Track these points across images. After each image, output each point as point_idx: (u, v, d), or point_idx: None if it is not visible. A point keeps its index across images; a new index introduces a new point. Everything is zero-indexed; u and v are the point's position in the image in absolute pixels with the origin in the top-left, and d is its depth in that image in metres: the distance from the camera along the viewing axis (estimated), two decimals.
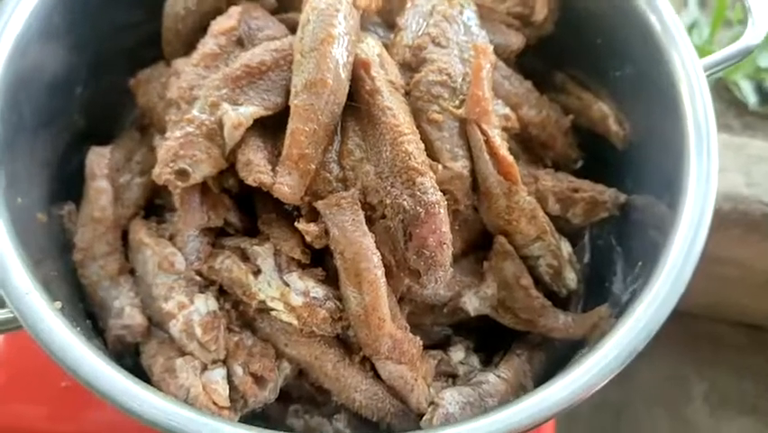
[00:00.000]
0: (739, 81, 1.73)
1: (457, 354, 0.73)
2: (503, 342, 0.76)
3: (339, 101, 0.62)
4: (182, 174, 0.61)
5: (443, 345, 0.74)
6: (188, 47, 0.73)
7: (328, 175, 0.63)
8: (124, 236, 0.73)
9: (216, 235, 0.67)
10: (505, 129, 0.72)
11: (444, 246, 0.61)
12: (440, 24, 0.69)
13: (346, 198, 0.61)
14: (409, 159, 0.61)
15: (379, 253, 0.61)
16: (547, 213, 0.74)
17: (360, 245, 0.60)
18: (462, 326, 0.76)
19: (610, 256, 0.78)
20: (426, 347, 0.69)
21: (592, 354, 0.57)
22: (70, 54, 0.78)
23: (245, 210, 0.69)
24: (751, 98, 1.62)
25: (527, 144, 0.78)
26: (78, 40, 0.78)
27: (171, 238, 0.69)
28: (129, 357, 0.69)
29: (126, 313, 0.68)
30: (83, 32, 0.78)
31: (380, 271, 0.60)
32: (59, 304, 0.59)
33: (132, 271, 0.71)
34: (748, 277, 1.40)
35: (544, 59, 0.85)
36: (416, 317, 0.70)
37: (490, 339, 0.77)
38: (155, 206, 0.76)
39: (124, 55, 0.83)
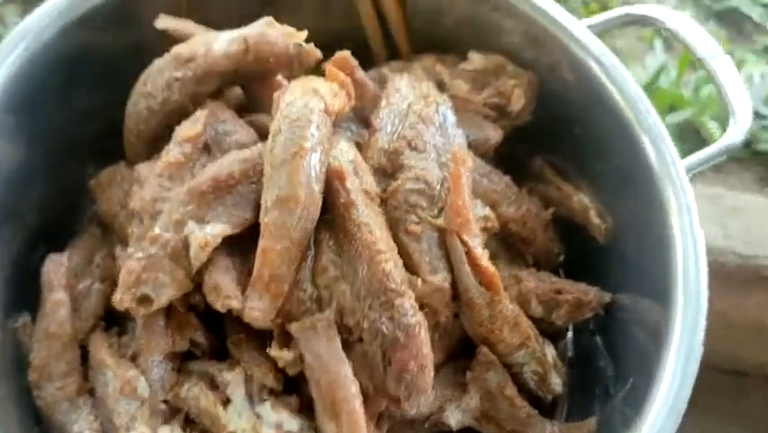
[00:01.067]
0: (707, 123, 1.72)
1: None
2: None
3: (312, 216, 0.59)
4: (145, 300, 0.57)
5: None
6: (152, 149, 0.69)
7: (301, 294, 0.60)
8: (83, 349, 0.68)
9: (182, 358, 0.63)
10: (484, 229, 0.69)
11: (426, 370, 0.57)
12: (416, 126, 0.66)
13: (321, 321, 0.57)
14: (387, 279, 0.58)
15: (357, 382, 0.57)
16: (530, 315, 0.71)
17: (336, 374, 0.56)
18: None
19: (595, 359, 0.75)
20: None
21: None
22: (23, 151, 0.74)
23: (212, 327, 0.64)
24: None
25: (507, 241, 0.75)
26: (32, 135, 0.73)
27: (134, 358, 0.65)
28: None
29: None
30: (37, 126, 0.74)
31: (359, 402, 0.57)
32: None
33: (91, 391, 0.66)
34: (731, 326, 1.39)
35: (521, 144, 0.83)
36: (395, 432, 0.66)
37: None
38: (115, 313, 0.71)
39: (84, 146, 0.79)
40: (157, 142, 0.68)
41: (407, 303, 0.58)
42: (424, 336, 0.58)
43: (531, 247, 0.76)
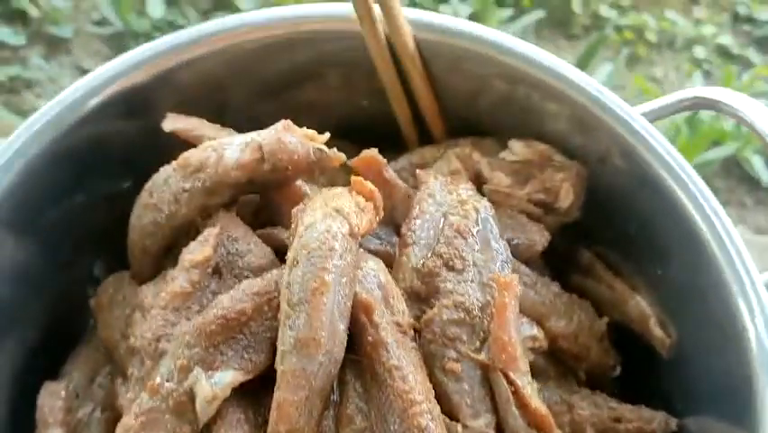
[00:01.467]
0: (750, 158, 1.70)
1: None
2: None
3: (336, 359, 0.51)
4: None
5: None
6: (159, 265, 0.62)
7: None
8: None
9: None
10: (531, 350, 0.61)
11: None
12: (453, 242, 0.58)
13: None
14: None
15: None
16: None
17: None
18: None
19: None
20: None
21: None
22: (28, 250, 0.68)
23: None
24: (764, 175, 1.63)
25: (556, 357, 0.66)
26: (37, 230, 0.68)
27: None
28: None
29: None
30: (43, 221, 0.68)
31: None
32: None
33: None
34: None
35: (567, 236, 0.74)
36: None
37: None
38: None
39: (93, 240, 0.73)
40: (164, 258, 0.62)
41: None
42: None
43: (584, 363, 0.67)
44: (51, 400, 0.62)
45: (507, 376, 0.55)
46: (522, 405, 0.55)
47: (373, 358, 0.52)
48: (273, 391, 0.51)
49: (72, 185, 0.71)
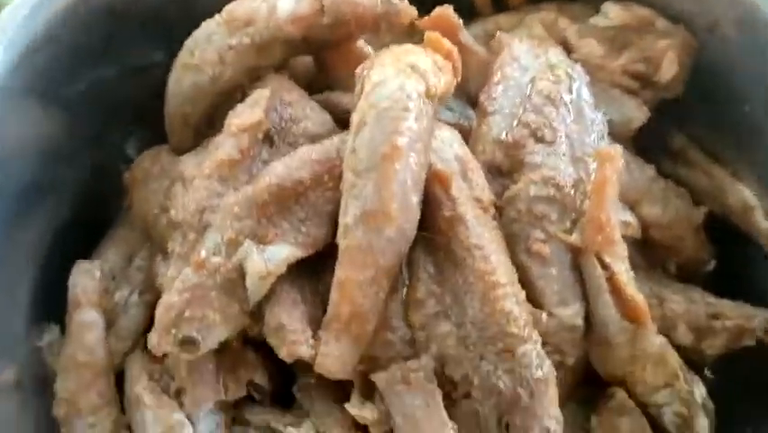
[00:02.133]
0: None
1: None
2: None
3: (408, 236, 0.45)
4: (189, 343, 0.44)
5: None
6: (201, 136, 0.55)
7: (390, 336, 0.46)
8: (121, 374, 0.57)
9: (238, 403, 0.50)
10: (623, 237, 0.53)
11: None
12: (542, 110, 0.50)
13: (417, 372, 0.44)
14: (507, 322, 0.44)
15: None
16: (674, 344, 0.56)
17: None
18: None
19: (739, 397, 0.60)
20: None
21: None
22: (57, 121, 0.62)
23: (276, 364, 0.51)
24: None
25: (647, 247, 0.59)
26: (66, 101, 0.61)
27: (179, 394, 0.53)
28: None
29: None
30: (71, 90, 0.61)
31: None
32: None
33: (129, 427, 0.55)
34: None
35: (657, 116, 0.65)
36: None
37: None
38: None
39: (126, 113, 0.66)
40: (206, 127, 0.54)
41: (533, 352, 0.44)
42: (552, 394, 0.45)
43: (676, 256, 0.60)
44: (85, 279, 0.56)
45: (601, 260, 0.48)
46: (616, 293, 0.49)
47: (450, 236, 0.46)
48: (334, 270, 0.45)
49: (99, 53, 0.63)
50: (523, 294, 0.46)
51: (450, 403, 0.45)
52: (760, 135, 0.59)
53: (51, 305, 0.59)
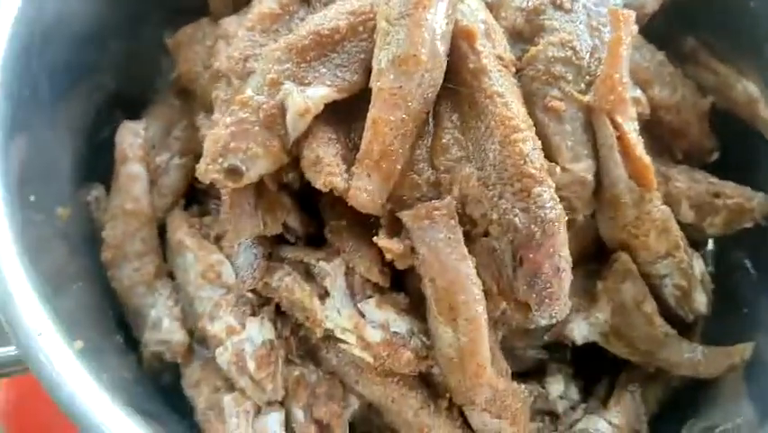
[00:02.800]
0: None
1: (555, 386, 0.61)
2: (602, 364, 0.63)
3: (435, 82, 0.48)
4: (233, 172, 0.48)
5: (536, 371, 0.62)
6: (240, 2, 0.59)
7: (416, 177, 0.50)
8: (161, 229, 0.61)
9: (274, 243, 0.54)
10: None
11: (563, 274, 0.47)
12: None
13: (440, 210, 0.48)
14: (524, 163, 0.47)
15: (480, 283, 0.48)
16: (677, 220, 0.60)
17: (457, 273, 0.47)
18: (557, 346, 0.63)
19: (739, 279, 0.64)
20: (516, 374, 0.57)
21: None
22: (98, 4, 0.65)
23: (308, 210, 0.55)
24: None
25: (655, 132, 0.63)
26: None
27: (218, 239, 0.57)
28: (168, 373, 0.59)
29: (165, 327, 0.57)
30: None
31: (482, 307, 0.48)
32: (79, 344, 0.47)
33: (170, 274, 0.60)
34: None
35: (669, 19, 0.68)
36: (506, 340, 0.57)
37: (588, 361, 0.64)
38: (198, 190, 0.64)
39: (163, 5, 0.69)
40: None
41: (547, 193, 0.47)
42: (563, 234, 0.47)
43: (682, 141, 0.64)
44: (130, 136, 0.61)
45: (612, 119, 0.51)
46: (625, 152, 0.52)
47: (473, 86, 0.49)
48: (366, 115, 0.49)
49: None
50: (539, 143, 0.49)
51: (469, 241, 0.49)
52: (761, 30, 0.62)
53: (98, 168, 0.64)
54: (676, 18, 0.68)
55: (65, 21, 0.61)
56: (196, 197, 0.64)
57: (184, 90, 0.67)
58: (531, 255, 0.47)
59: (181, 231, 0.58)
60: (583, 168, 0.52)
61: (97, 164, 0.64)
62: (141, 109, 0.69)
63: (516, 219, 0.47)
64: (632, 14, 0.51)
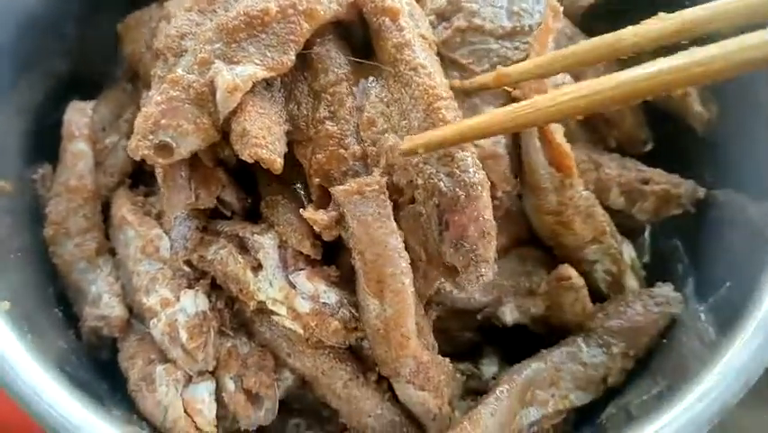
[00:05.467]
0: None
1: (489, 367, 0.61)
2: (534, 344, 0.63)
3: None
4: (164, 149, 0.48)
5: (471, 353, 0.62)
6: None
7: (343, 152, 0.50)
8: (106, 209, 0.61)
9: (210, 217, 0.54)
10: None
11: (488, 237, 0.47)
12: None
13: (371, 186, 0.48)
14: None
15: (407, 256, 0.48)
16: (608, 207, 0.60)
17: (384, 246, 0.48)
18: (492, 329, 0.63)
19: (673, 264, 0.64)
20: (452, 355, 0.57)
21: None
22: None
23: (245, 186, 0.56)
24: None
25: (588, 121, 0.63)
26: None
27: (160, 216, 0.57)
28: (106, 350, 0.58)
29: (104, 302, 0.57)
30: None
31: (408, 280, 0.48)
32: (6, 305, 0.47)
33: (112, 251, 0.59)
34: None
35: (609, 16, 0.69)
36: (442, 321, 0.58)
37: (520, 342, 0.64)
38: (144, 172, 0.63)
39: None
40: None
41: (470, 158, 0.47)
42: (486, 198, 0.47)
43: (615, 130, 0.64)
44: (78, 115, 0.61)
45: None
46: (545, 138, 0.53)
47: (398, 59, 0.50)
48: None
49: None
50: (460, 113, 0.49)
51: (397, 209, 0.49)
52: None
53: (46, 148, 0.63)
54: (617, 14, 0.69)
55: (18, 3, 0.61)
56: (143, 178, 0.63)
57: (136, 76, 0.67)
58: (456, 218, 0.47)
59: (124, 208, 0.58)
60: (491, 141, 0.52)
61: (47, 145, 0.63)
62: (96, 94, 0.69)
63: (441, 183, 0.47)
64: (558, 6, 0.51)
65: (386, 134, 0.49)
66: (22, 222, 0.59)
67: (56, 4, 0.65)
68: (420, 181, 0.47)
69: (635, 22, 0.68)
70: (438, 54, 0.52)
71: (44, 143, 0.63)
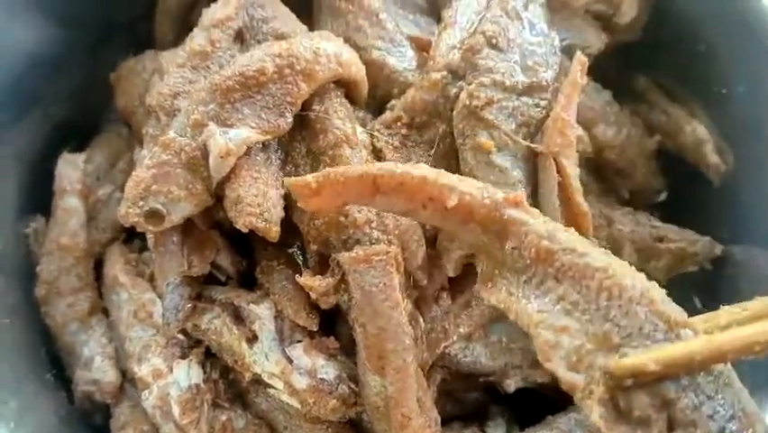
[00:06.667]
0: None
1: (496, 430, 0.57)
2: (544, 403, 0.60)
3: None
4: (155, 216, 0.45)
5: (477, 413, 0.58)
6: (182, 30, 0.56)
7: (343, 219, 0.47)
8: (99, 265, 0.58)
9: (204, 281, 0.51)
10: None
11: None
12: (498, 21, 0.51)
13: (379, 255, 0.45)
14: None
15: (411, 332, 0.45)
16: None
17: (388, 319, 0.45)
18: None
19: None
20: (458, 417, 0.53)
21: None
22: (55, 32, 0.62)
23: (240, 247, 0.52)
24: None
25: (600, 171, 0.60)
26: (65, 14, 0.61)
27: (153, 278, 0.54)
28: (99, 415, 0.55)
29: (96, 365, 0.54)
30: (72, 4, 0.61)
31: (410, 357, 0.45)
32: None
33: (105, 311, 0.56)
34: None
35: (622, 60, 0.66)
36: (447, 383, 0.54)
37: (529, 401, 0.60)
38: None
39: (122, 32, 0.67)
40: (188, 21, 0.55)
41: None
42: None
43: (628, 181, 0.61)
44: (69, 169, 0.58)
45: (558, 163, 0.48)
46: (566, 196, 0.49)
47: None
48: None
49: None
50: None
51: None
52: (712, 74, 0.59)
53: (39, 199, 0.60)
54: (629, 59, 0.66)
55: (15, 46, 0.58)
56: (138, 232, 0.60)
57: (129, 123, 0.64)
58: None
59: (117, 267, 0.55)
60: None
61: (41, 195, 0.60)
62: (91, 137, 0.66)
63: None
64: (584, 59, 0.48)
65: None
66: (13, 279, 0.56)
67: (57, 47, 0.62)
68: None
69: (645, 65, 0.66)
70: (468, 112, 0.49)
71: (38, 194, 0.60)
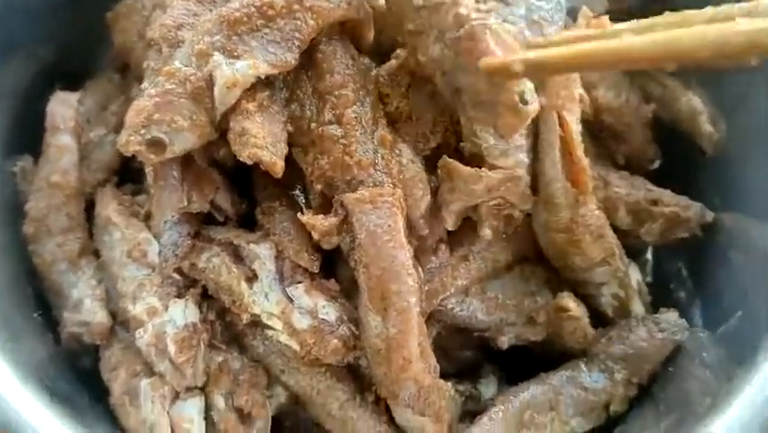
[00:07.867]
0: None
1: (488, 388, 0.56)
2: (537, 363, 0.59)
3: None
4: (156, 145, 0.43)
5: (470, 372, 0.57)
6: None
7: (348, 159, 0.46)
8: (90, 207, 0.56)
9: (203, 222, 0.49)
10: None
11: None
12: None
13: (384, 197, 0.44)
14: None
15: (415, 274, 0.44)
16: (614, 226, 0.56)
17: (392, 260, 0.44)
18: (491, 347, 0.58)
19: (676, 288, 0.61)
20: (451, 375, 0.52)
21: None
22: None
23: (241, 189, 0.51)
24: None
25: (597, 135, 0.59)
26: None
27: (148, 218, 0.52)
28: (87, 357, 0.53)
29: (85, 307, 0.51)
30: None
31: (414, 299, 0.44)
32: None
33: (96, 253, 0.54)
34: None
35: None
36: (442, 338, 0.53)
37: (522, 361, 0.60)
38: (132, 169, 0.58)
39: None
40: None
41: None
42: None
43: (624, 146, 0.60)
44: (63, 107, 0.55)
45: (561, 116, 0.48)
46: (567, 151, 0.48)
47: None
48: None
49: None
50: None
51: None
52: None
53: (29, 139, 0.58)
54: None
55: None
56: (131, 175, 0.58)
57: (125, 65, 0.61)
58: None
59: (110, 207, 0.53)
60: (512, 163, 0.47)
61: (29, 135, 0.58)
62: (81, 84, 0.63)
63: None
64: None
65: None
66: (1, 217, 0.54)
67: None
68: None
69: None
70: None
71: (25, 134, 0.57)
